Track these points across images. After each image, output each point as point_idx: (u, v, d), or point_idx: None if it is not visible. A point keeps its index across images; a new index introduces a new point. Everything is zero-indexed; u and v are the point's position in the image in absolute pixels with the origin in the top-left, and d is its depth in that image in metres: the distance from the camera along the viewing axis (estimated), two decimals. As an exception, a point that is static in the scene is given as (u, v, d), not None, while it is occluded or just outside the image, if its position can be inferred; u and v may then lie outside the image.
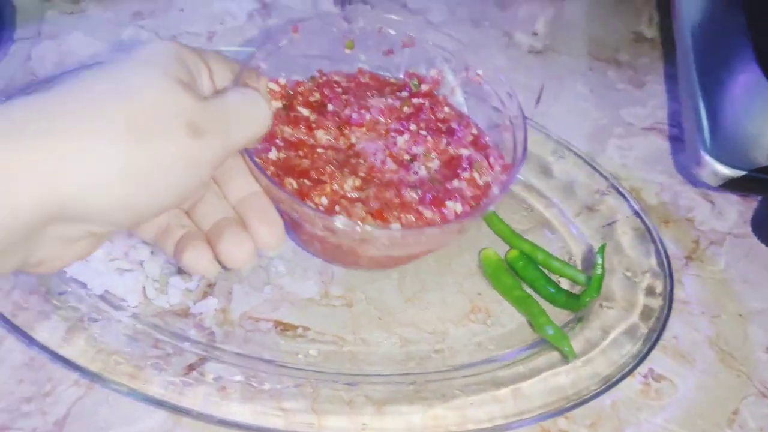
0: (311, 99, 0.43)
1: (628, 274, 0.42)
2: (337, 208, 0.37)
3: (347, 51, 0.46)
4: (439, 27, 0.45)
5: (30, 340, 0.36)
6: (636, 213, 0.45)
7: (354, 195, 0.38)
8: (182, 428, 0.36)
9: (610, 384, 0.37)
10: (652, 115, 0.57)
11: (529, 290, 0.43)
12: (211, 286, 0.42)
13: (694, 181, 0.50)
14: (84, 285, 0.40)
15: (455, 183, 0.40)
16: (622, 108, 0.57)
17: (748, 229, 0.49)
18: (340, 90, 0.44)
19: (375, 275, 0.43)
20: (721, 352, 0.42)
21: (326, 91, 0.43)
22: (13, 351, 0.38)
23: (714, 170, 0.39)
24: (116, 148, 0.24)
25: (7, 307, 0.38)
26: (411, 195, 0.38)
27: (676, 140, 0.55)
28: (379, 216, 0.37)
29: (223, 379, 0.37)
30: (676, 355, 0.41)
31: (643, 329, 0.40)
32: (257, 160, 0.37)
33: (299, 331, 0.41)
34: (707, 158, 0.39)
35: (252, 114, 0.32)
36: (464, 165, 0.41)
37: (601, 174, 0.47)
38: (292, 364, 0.39)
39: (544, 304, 0.42)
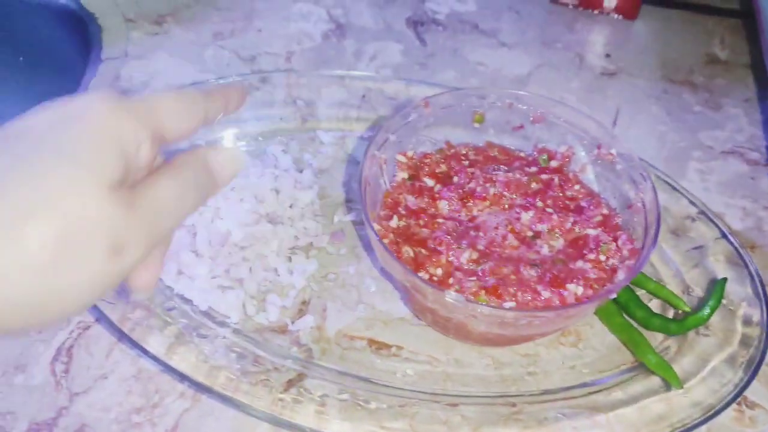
0: (437, 170, 0.44)
1: (724, 301, 0.42)
2: (451, 280, 0.38)
3: (476, 125, 0.46)
4: (574, 106, 0.46)
5: (143, 351, 0.38)
6: (726, 238, 0.45)
7: (469, 268, 0.38)
8: (285, 443, 0.37)
9: (712, 413, 0.37)
10: (731, 139, 0.56)
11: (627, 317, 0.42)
12: (305, 303, 0.43)
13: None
14: (190, 302, 0.41)
15: (579, 264, 0.39)
16: (700, 131, 0.57)
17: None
18: (467, 162, 0.45)
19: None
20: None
21: (453, 163, 0.44)
22: (120, 363, 0.40)
23: None
24: (24, 265, 0.21)
25: (116, 320, 0.40)
26: (530, 273, 0.38)
27: (757, 164, 0.54)
28: (494, 292, 0.37)
29: (322, 396, 0.38)
30: (768, 383, 0.41)
31: (743, 358, 0.39)
32: (376, 227, 0.39)
33: (393, 350, 0.41)
34: None
35: (186, 198, 0.28)
36: (591, 246, 0.40)
37: (689, 200, 0.47)
38: (389, 382, 0.39)
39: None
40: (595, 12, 0.68)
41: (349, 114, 0.54)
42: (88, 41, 0.65)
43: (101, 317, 0.40)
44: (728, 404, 0.37)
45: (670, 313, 0.43)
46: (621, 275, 0.38)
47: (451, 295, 0.35)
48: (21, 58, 0.75)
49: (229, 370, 0.38)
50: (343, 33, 0.64)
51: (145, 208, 0.25)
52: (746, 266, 0.43)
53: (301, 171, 0.48)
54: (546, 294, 0.37)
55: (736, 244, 0.45)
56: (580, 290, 0.38)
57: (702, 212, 0.46)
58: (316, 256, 0.45)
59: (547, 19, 0.68)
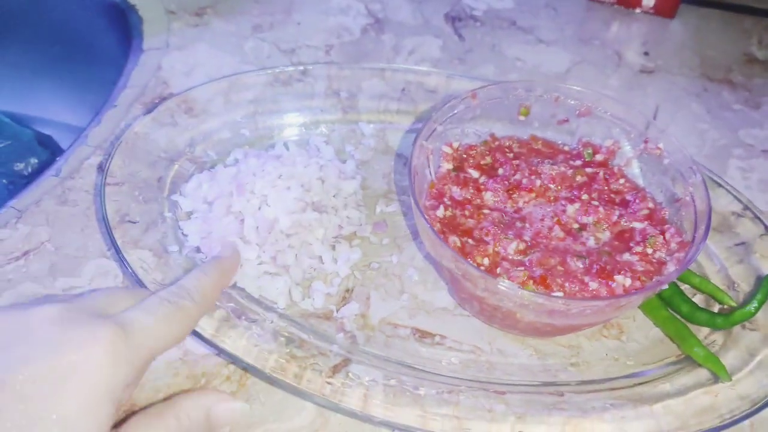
0: (482, 162, 0.45)
1: None
2: (498, 270, 0.38)
3: (521, 117, 0.47)
4: (615, 98, 0.46)
5: (194, 333, 0.38)
6: None
7: (516, 258, 0.39)
8: (331, 427, 0.38)
9: (761, 405, 0.37)
10: (771, 138, 0.56)
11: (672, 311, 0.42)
12: (349, 291, 0.43)
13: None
14: (237, 286, 0.42)
15: (626, 256, 0.40)
16: (740, 129, 0.56)
17: None
18: (511, 155, 0.45)
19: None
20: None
21: (498, 155, 0.45)
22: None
23: None
24: None
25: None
26: (576, 264, 0.38)
27: (798, 164, 0.54)
28: (542, 282, 0.37)
29: (370, 381, 0.38)
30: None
31: None
32: (426, 216, 0.39)
33: (437, 339, 0.41)
34: None
35: None
36: (637, 239, 0.41)
37: (734, 196, 0.47)
38: (435, 369, 0.40)
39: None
40: (633, 10, 0.68)
41: (389, 107, 0.54)
42: (128, 32, 0.66)
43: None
44: None
45: (714, 309, 0.43)
46: (671, 267, 0.38)
47: (504, 283, 0.35)
48: (58, 47, 0.76)
49: (279, 354, 0.38)
50: (382, 27, 0.65)
51: None
52: None
53: (344, 162, 0.49)
54: (594, 285, 0.37)
55: None
56: (627, 282, 0.38)
57: (747, 208, 0.46)
58: (359, 245, 0.46)
59: (585, 17, 0.68)
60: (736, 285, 0.44)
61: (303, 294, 0.43)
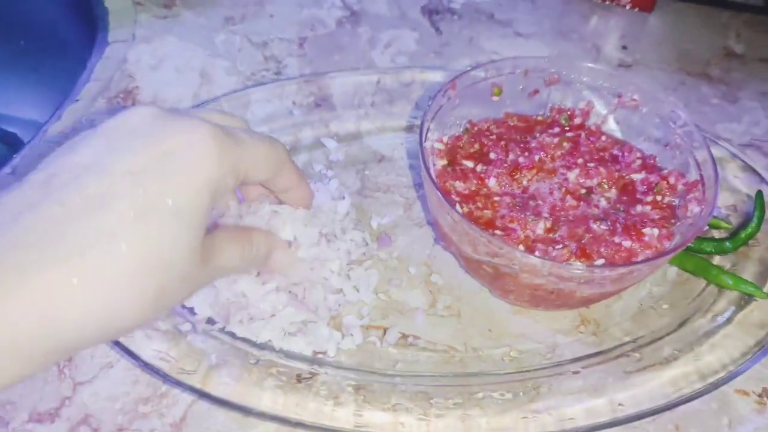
0: (471, 150, 0.44)
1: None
2: (536, 253, 0.37)
3: (495, 98, 0.46)
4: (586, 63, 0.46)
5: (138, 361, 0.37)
6: (738, 158, 0.48)
7: (547, 236, 0.38)
8: (298, 434, 0.36)
9: None
10: (748, 132, 0.55)
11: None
12: (384, 316, 0.41)
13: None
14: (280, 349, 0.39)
15: (639, 208, 0.40)
16: (718, 123, 0.56)
17: None
18: (493, 137, 0.45)
19: (479, 287, 0.43)
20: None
21: (483, 140, 0.44)
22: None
23: None
24: (133, 305, 0.26)
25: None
26: (601, 227, 0.39)
27: (775, 158, 0.54)
28: (583, 254, 0.37)
29: (335, 387, 0.37)
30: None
31: None
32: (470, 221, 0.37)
33: (410, 339, 0.40)
34: None
35: (240, 267, 0.33)
36: (642, 189, 0.42)
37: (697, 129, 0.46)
38: (406, 371, 0.38)
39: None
40: (611, 4, 0.67)
41: (364, 100, 0.53)
42: (94, 24, 0.63)
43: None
44: None
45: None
46: (696, 208, 0.39)
47: (578, 267, 0.35)
48: (22, 42, 0.73)
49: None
50: (358, 20, 0.63)
51: (213, 267, 0.30)
52: (759, 176, 0.47)
53: (327, 182, 0.46)
54: (627, 243, 0.38)
55: (745, 159, 0.48)
56: (656, 231, 0.38)
57: (709, 139, 0.48)
58: (372, 266, 0.43)
59: (563, 10, 0.67)
60: (722, 209, 0.47)
61: (341, 334, 0.39)
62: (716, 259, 0.44)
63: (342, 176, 0.48)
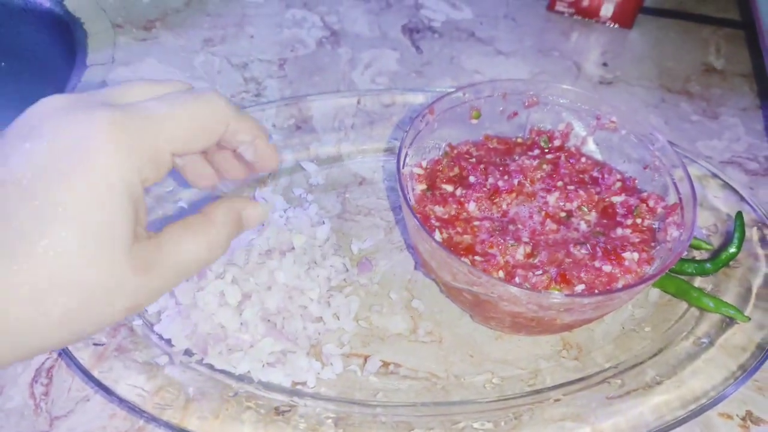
0: (451, 174, 0.44)
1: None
2: (516, 279, 0.37)
3: (474, 121, 0.46)
4: (564, 85, 0.46)
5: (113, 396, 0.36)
6: (717, 177, 0.48)
7: (527, 262, 0.38)
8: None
9: None
10: (729, 148, 0.56)
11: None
12: (365, 344, 0.40)
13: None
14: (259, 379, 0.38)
15: (619, 231, 0.40)
16: (699, 141, 0.56)
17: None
18: (473, 160, 0.45)
19: (460, 312, 0.42)
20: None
21: (463, 164, 0.44)
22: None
23: None
24: (48, 325, 0.23)
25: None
26: (581, 251, 0.38)
27: (756, 174, 0.54)
28: (564, 280, 0.37)
29: (314, 420, 0.36)
30: (774, 398, 0.40)
31: None
32: (449, 250, 0.37)
33: (391, 367, 0.40)
34: None
35: (212, 252, 0.28)
36: (622, 212, 0.41)
37: (675, 150, 0.47)
38: (386, 401, 0.38)
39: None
40: (592, 20, 0.68)
41: (345, 122, 0.53)
42: (73, 47, 0.63)
43: None
44: None
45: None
46: (675, 232, 0.39)
47: (556, 296, 0.34)
48: (2, 63, 0.72)
49: (207, 399, 0.36)
50: (338, 40, 0.63)
51: (166, 269, 0.25)
52: (739, 195, 0.47)
53: (306, 208, 0.45)
54: (608, 268, 0.38)
55: (725, 178, 0.48)
56: (636, 256, 0.38)
57: (686, 156, 0.49)
58: (353, 292, 0.42)
59: (544, 27, 0.67)
60: (703, 229, 0.46)
61: (321, 363, 0.39)
62: (697, 281, 0.44)
63: (322, 200, 0.48)
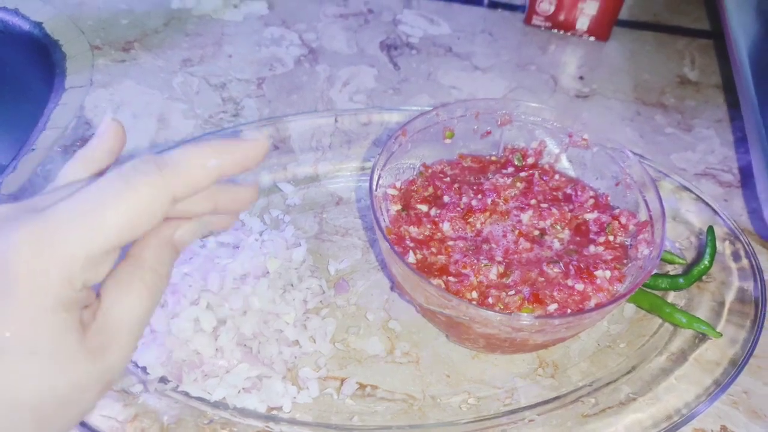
0: (425, 194, 0.44)
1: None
2: (490, 299, 0.37)
3: (447, 141, 0.47)
4: (536, 103, 0.47)
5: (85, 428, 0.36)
6: (690, 191, 0.49)
7: (501, 282, 0.38)
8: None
9: (752, 346, 0.40)
10: (703, 160, 0.56)
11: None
12: (341, 366, 0.40)
13: (759, 239, 0.50)
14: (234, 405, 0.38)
15: (592, 249, 0.41)
16: (673, 153, 0.57)
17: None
18: (447, 179, 0.45)
19: (437, 331, 0.43)
20: (794, 407, 0.41)
21: (437, 183, 0.44)
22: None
23: None
24: None
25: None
26: (554, 270, 0.39)
27: (730, 186, 0.54)
28: (536, 300, 0.37)
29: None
30: (748, 411, 0.40)
31: (748, 287, 0.43)
32: (421, 273, 0.37)
33: (368, 390, 0.40)
34: None
35: (155, 296, 0.26)
36: (595, 229, 0.42)
37: (648, 164, 0.47)
38: (362, 425, 0.38)
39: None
40: (568, 34, 0.68)
41: (322, 141, 0.53)
42: (52, 69, 0.63)
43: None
44: (760, 329, 0.41)
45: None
46: (645, 250, 0.39)
47: (526, 318, 0.35)
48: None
49: (179, 424, 0.36)
50: (316, 58, 0.63)
51: (120, 337, 0.25)
52: (712, 208, 0.48)
53: (282, 230, 0.45)
54: (580, 286, 0.38)
55: (697, 192, 0.49)
56: (608, 274, 0.39)
57: (660, 171, 0.50)
58: (329, 314, 0.43)
59: (521, 41, 0.67)
60: (676, 243, 0.47)
61: (297, 387, 0.39)
62: (671, 296, 0.44)
63: (299, 221, 0.48)
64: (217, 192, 0.27)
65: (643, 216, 0.41)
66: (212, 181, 0.25)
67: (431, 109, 0.45)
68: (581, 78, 0.64)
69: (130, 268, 0.26)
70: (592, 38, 0.68)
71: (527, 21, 0.69)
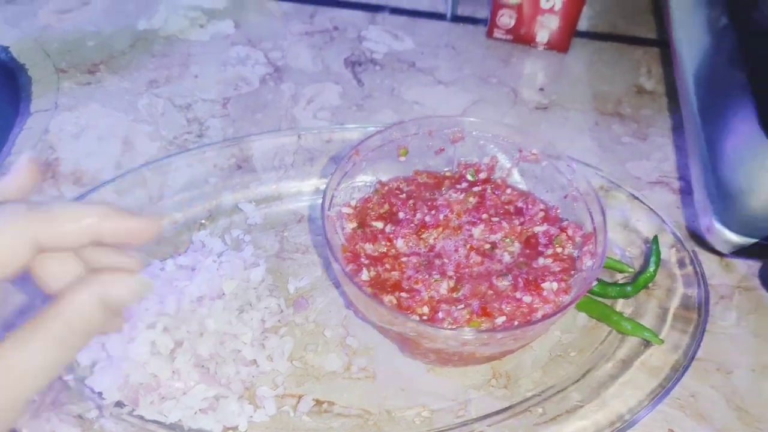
0: (381, 211, 0.45)
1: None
2: (440, 314, 0.38)
3: (402, 158, 0.48)
4: (482, 119, 0.48)
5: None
6: (638, 199, 0.50)
7: (451, 296, 0.39)
8: None
9: (693, 352, 0.41)
10: (657, 168, 0.58)
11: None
12: (299, 384, 0.41)
13: (708, 246, 0.51)
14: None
15: (541, 261, 0.42)
16: (628, 162, 0.58)
17: (757, 282, 0.49)
18: (403, 195, 0.46)
19: (394, 346, 0.44)
20: (738, 410, 0.42)
21: (393, 200, 0.45)
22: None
23: (725, 238, 0.40)
24: None
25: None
26: (503, 283, 0.40)
27: (683, 193, 0.56)
28: (484, 313, 0.38)
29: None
30: (695, 414, 0.42)
31: (692, 294, 0.45)
32: (368, 290, 0.38)
33: (325, 406, 0.41)
34: (717, 226, 0.40)
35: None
36: (544, 241, 0.43)
37: (596, 172, 0.50)
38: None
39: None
40: (529, 46, 0.70)
41: (285, 160, 0.54)
42: (18, 94, 0.63)
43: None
44: (702, 333, 0.43)
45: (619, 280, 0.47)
46: (588, 261, 0.41)
47: (468, 332, 0.36)
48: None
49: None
50: (281, 76, 0.65)
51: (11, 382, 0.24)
52: (659, 217, 0.49)
53: (242, 251, 0.46)
54: (527, 299, 0.39)
55: (646, 202, 0.50)
56: (555, 285, 0.40)
57: (611, 182, 0.52)
58: (288, 333, 0.43)
59: (484, 55, 0.69)
60: (627, 252, 0.48)
61: (254, 406, 0.40)
62: (620, 303, 0.46)
63: (260, 240, 0.49)
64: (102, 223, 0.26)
65: (588, 228, 0.42)
66: (85, 239, 0.25)
67: (384, 128, 0.46)
68: (541, 90, 0.65)
69: (44, 315, 0.25)
70: (552, 50, 0.69)
71: (489, 34, 0.70)
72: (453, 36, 0.71)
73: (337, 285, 0.47)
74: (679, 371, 0.40)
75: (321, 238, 0.50)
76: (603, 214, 0.41)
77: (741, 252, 0.40)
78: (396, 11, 0.74)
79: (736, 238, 0.39)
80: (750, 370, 0.44)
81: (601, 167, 0.57)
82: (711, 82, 0.49)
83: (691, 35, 0.55)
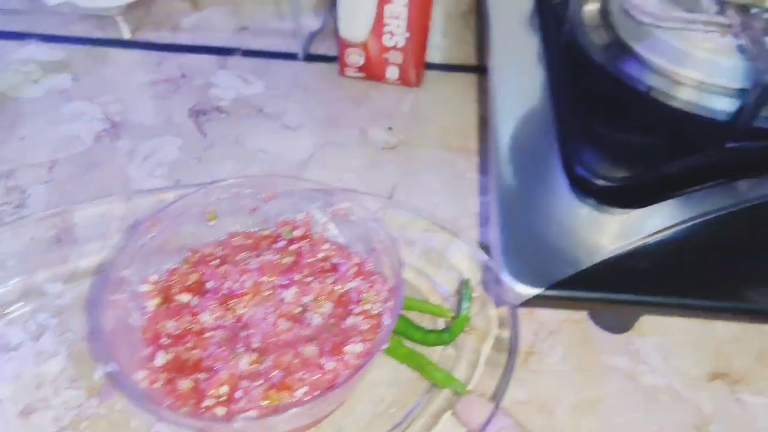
0: (189, 282, 0.43)
1: (475, 295, 0.47)
2: (238, 393, 0.36)
3: (211, 223, 0.46)
4: (290, 175, 0.49)
5: None
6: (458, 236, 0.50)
7: (253, 371, 0.38)
8: None
9: (498, 400, 0.41)
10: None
11: (409, 344, 0.45)
12: None
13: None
14: None
15: (350, 320, 0.41)
16: (470, 198, 0.59)
17: (585, 314, 0.50)
18: (217, 262, 0.44)
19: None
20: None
21: (202, 268, 0.43)
22: None
23: (513, 289, 0.38)
24: None
25: None
26: (311, 350, 0.39)
27: (523, 225, 0.57)
28: (284, 387, 0.37)
29: None
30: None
31: (505, 335, 0.44)
32: (143, 382, 0.36)
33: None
34: (506, 277, 0.39)
35: None
36: (356, 298, 0.42)
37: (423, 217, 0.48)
38: None
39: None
40: (381, 82, 0.70)
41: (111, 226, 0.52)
42: None
43: None
44: (508, 378, 0.42)
45: (443, 325, 0.47)
46: (386, 319, 0.40)
47: (237, 424, 0.34)
48: None
49: None
50: (118, 132, 0.62)
51: None
52: (485, 255, 0.49)
53: (38, 339, 0.43)
54: (330, 365, 0.37)
55: (466, 243, 0.50)
56: (358, 348, 0.39)
57: (433, 223, 0.51)
58: (89, 427, 0.40)
59: (336, 95, 0.68)
60: (454, 295, 0.48)
61: None
62: (439, 351, 0.45)
63: (70, 322, 0.46)
64: None
65: (391, 282, 0.42)
66: None
67: (184, 195, 0.44)
68: (390, 129, 0.65)
69: None
70: (403, 86, 0.70)
71: (341, 72, 0.70)
72: (305, 76, 0.71)
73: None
74: (487, 417, 0.40)
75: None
76: (400, 266, 0.41)
77: (531, 303, 0.40)
78: (248, 53, 0.73)
79: (523, 289, 0.39)
80: (571, 408, 0.45)
81: (442, 205, 0.57)
82: (518, 120, 0.50)
83: (504, 63, 0.55)
